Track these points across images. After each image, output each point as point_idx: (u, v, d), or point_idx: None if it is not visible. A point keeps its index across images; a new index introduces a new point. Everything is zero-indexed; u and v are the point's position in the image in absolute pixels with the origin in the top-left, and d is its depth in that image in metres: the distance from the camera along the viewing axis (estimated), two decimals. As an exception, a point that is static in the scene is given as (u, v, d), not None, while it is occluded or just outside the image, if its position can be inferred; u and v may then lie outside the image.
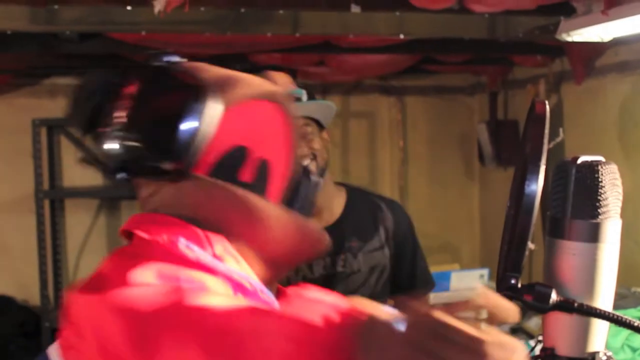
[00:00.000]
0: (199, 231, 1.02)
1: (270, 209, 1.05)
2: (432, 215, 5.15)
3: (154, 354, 0.86)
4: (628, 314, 2.68)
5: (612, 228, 0.92)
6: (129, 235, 1.07)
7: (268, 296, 1.04)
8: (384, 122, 5.23)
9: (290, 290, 1.13)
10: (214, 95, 1.01)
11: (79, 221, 4.79)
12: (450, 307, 0.79)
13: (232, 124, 1.04)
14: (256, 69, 4.60)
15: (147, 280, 0.92)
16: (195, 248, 0.99)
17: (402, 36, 3.21)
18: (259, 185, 1.06)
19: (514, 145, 4.56)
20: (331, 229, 1.96)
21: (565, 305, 0.89)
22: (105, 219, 4.84)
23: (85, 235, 4.81)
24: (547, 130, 0.89)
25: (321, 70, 4.26)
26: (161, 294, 0.89)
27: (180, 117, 0.98)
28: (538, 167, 0.86)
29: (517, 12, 2.90)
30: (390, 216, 2.35)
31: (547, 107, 0.92)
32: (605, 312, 0.89)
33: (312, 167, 2.16)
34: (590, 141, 3.88)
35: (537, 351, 1.00)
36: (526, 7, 2.77)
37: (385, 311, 0.87)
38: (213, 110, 1.00)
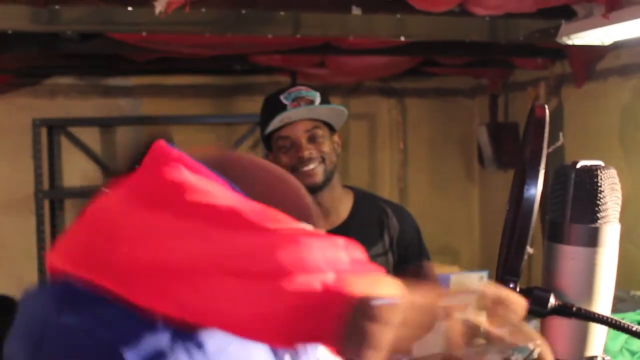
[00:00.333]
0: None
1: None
2: (432, 217, 5.15)
3: None
4: (627, 318, 2.68)
5: (611, 233, 0.91)
6: None
7: None
8: (384, 124, 5.23)
9: None
10: None
11: (78, 221, 4.79)
12: (454, 294, 0.81)
13: None
14: (257, 70, 4.62)
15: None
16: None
17: (402, 38, 3.21)
18: None
19: (514, 148, 4.56)
20: (336, 232, 1.96)
21: (564, 310, 0.89)
22: (105, 219, 4.83)
23: (85, 235, 4.80)
24: (546, 135, 0.89)
25: (321, 72, 4.27)
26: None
27: None
28: (537, 171, 0.86)
29: (517, 15, 2.90)
30: (396, 222, 2.35)
31: (547, 111, 0.91)
32: (603, 316, 0.89)
33: (320, 170, 2.19)
34: (590, 144, 3.88)
35: (535, 355, 1.00)
36: (527, 10, 2.77)
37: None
38: None
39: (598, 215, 0.90)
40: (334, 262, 0.83)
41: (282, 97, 2.24)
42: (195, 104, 4.87)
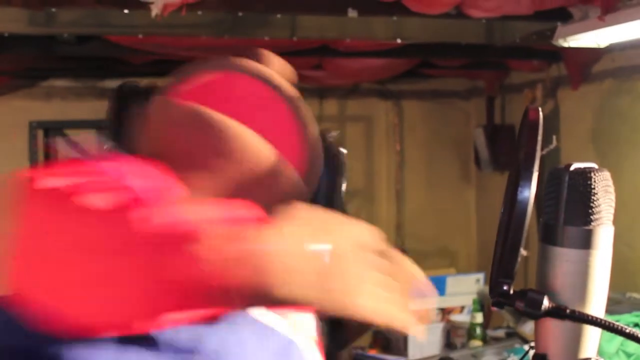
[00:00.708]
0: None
1: (248, 138, 0.96)
2: (428, 219, 5.16)
3: None
4: (623, 320, 2.68)
5: (604, 235, 0.92)
6: None
7: None
8: (381, 126, 5.24)
9: None
10: None
11: (75, 223, 4.79)
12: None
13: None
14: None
15: None
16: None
17: (399, 41, 3.22)
18: None
19: (510, 150, 4.57)
20: None
21: (557, 312, 0.89)
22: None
23: (82, 237, 4.80)
24: (540, 137, 0.89)
25: (318, 74, 4.27)
26: None
27: None
28: (531, 173, 0.86)
29: (514, 17, 2.91)
30: None
31: (541, 114, 0.92)
32: (597, 318, 0.89)
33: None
34: (586, 146, 3.89)
35: (530, 357, 1.00)
36: (523, 12, 2.78)
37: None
38: None
39: (591, 217, 0.90)
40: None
41: None
42: (192, 107, 4.87)
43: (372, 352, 3.53)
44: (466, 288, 3.81)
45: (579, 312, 0.90)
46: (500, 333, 3.60)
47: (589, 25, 2.69)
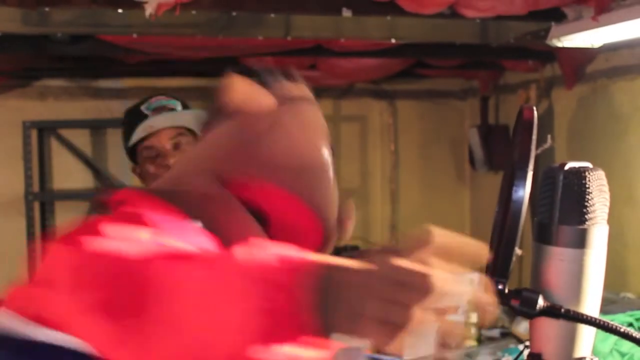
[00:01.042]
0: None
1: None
2: (422, 219, 5.15)
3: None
4: (617, 319, 2.69)
5: (599, 234, 0.92)
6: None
7: None
8: (376, 126, 5.24)
9: None
10: None
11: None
12: (404, 250, 0.77)
13: None
14: (248, 72, 4.60)
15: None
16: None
17: (393, 40, 3.21)
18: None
19: (504, 150, 4.57)
20: None
21: (552, 311, 0.90)
22: (96, 221, 4.82)
23: (76, 237, 4.79)
24: (534, 136, 0.89)
25: (313, 74, 4.27)
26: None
27: None
28: (525, 172, 0.87)
29: (508, 17, 2.91)
30: None
31: (535, 113, 0.92)
32: (591, 317, 0.89)
33: None
34: (580, 146, 3.89)
35: (524, 356, 1.00)
36: (517, 12, 2.78)
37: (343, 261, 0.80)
38: None
39: (586, 216, 0.90)
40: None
41: (142, 108, 2.26)
42: (186, 106, 4.86)
43: (367, 352, 3.53)
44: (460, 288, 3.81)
45: (574, 312, 0.90)
46: (495, 333, 3.60)
47: (583, 26, 2.69)
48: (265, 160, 1.12)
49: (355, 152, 5.19)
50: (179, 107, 2.30)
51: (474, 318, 3.56)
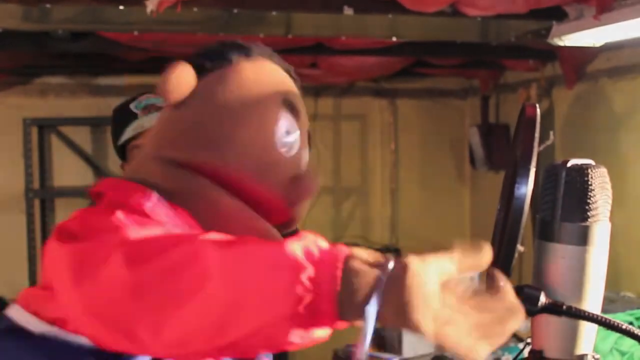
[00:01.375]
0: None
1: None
2: (422, 218, 5.16)
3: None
4: (617, 318, 2.68)
5: (601, 231, 0.92)
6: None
7: None
8: (376, 125, 5.24)
9: None
10: None
11: (69, 221, 4.78)
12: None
13: None
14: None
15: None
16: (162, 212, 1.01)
17: (394, 39, 3.21)
18: None
19: (505, 149, 4.57)
20: None
21: (554, 308, 0.90)
22: (96, 219, 4.82)
23: (76, 235, 4.79)
24: (537, 134, 0.89)
25: (314, 73, 4.27)
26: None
27: None
28: (528, 169, 0.86)
29: (509, 16, 2.91)
30: None
31: (538, 110, 0.92)
32: (593, 314, 0.89)
33: None
34: (581, 145, 3.89)
35: (525, 353, 1.00)
36: (518, 11, 2.78)
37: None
38: None
39: (588, 213, 0.90)
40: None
41: (132, 106, 2.25)
42: (186, 104, 4.86)
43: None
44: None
45: (576, 309, 0.90)
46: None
47: (584, 25, 2.69)
48: (209, 140, 1.10)
49: (355, 151, 5.18)
50: None
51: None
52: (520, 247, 0.88)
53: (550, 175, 0.92)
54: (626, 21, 2.52)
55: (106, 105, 4.75)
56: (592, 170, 0.91)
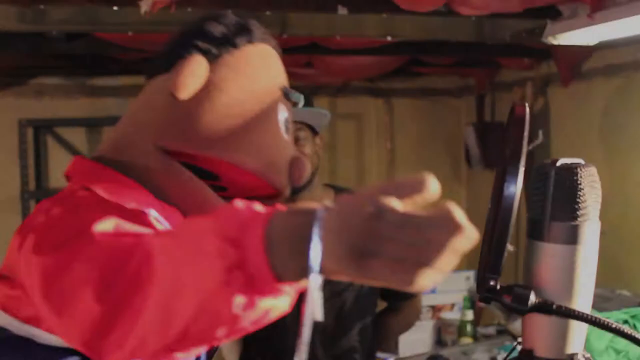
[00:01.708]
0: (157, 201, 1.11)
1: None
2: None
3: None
4: (612, 316, 2.69)
5: (590, 230, 0.92)
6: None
7: None
8: (372, 124, 5.24)
9: None
10: None
11: (65, 222, 4.77)
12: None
13: None
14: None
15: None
16: (165, 223, 1.06)
17: (389, 38, 3.21)
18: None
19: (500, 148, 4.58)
20: None
21: (544, 307, 0.90)
22: (92, 219, 4.82)
23: (72, 235, 4.78)
24: (526, 133, 0.90)
25: (309, 72, 4.26)
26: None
27: None
28: (517, 169, 0.87)
29: (504, 15, 2.91)
30: None
31: (527, 110, 0.92)
32: (583, 313, 0.89)
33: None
34: (576, 143, 3.90)
35: (517, 352, 1.01)
36: (513, 10, 2.78)
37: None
38: None
39: (578, 213, 0.91)
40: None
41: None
42: (182, 104, 4.86)
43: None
44: (456, 285, 3.82)
45: (565, 308, 0.90)
46: (491, 330, 3.60)
47: (579, 23, 2.69)
48: (202, 127, 1.14)
49: (351, 150, 5.19)
50: (301, 101, 2.28)
51: (469, 315, 3.57)
52: (509, 246, 0.88)
53: (539, 174, 0.93)
54: (620, 20, 2.52)
55: (102, 106, 4.76)
56: (581, 170, 0.91)
